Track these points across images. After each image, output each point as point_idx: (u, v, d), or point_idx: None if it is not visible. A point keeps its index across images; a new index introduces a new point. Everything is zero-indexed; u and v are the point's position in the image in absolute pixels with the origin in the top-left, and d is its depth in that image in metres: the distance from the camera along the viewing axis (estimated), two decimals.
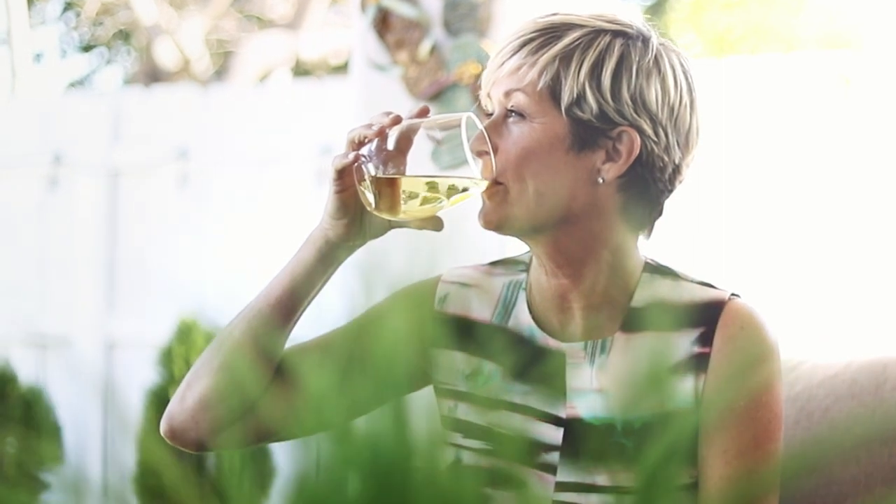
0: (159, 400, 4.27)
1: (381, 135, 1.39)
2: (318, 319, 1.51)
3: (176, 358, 4.32)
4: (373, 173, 1.38)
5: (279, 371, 1.48)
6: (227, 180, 4.80)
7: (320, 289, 1.49)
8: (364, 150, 1.39)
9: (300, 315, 1.48)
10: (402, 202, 1.39)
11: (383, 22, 3.16)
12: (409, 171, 1.39)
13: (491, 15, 3.02)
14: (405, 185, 1.38)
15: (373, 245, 1.48)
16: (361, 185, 1.39)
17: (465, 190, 1.41)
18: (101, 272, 4.91)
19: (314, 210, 4.89)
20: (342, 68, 9.10)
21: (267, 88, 6.83)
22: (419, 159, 1.42)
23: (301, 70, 9.27)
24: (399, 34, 3.11)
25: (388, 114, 1.41)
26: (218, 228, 4.78)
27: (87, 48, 10.70)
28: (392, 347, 0.62)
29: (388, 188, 1.38)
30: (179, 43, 8.43)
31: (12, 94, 8.62)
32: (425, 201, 1.40)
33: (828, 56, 4.34)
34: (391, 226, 1.45)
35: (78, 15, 10.28)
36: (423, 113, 1.44)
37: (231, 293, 4.51)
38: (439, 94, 3.07)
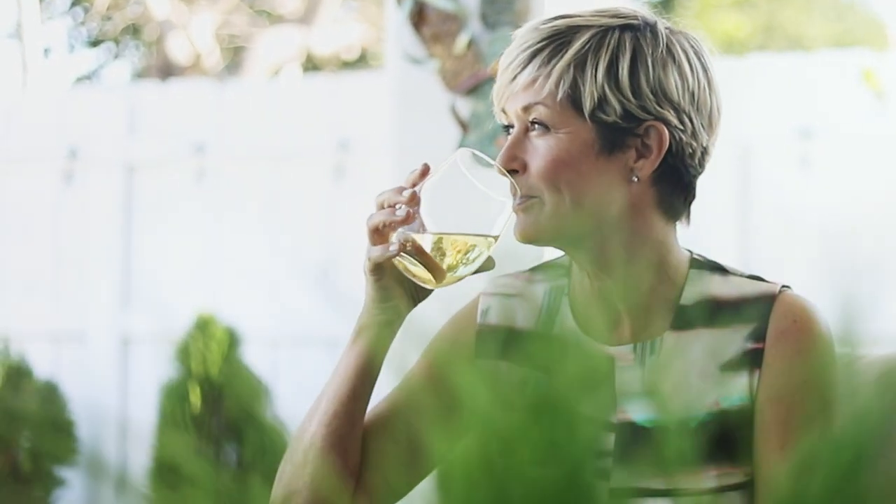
0: (175, 395, 4.25)
1: (409, 218, 1.37)
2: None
3: (193, 353, 4.30)
4: (409, 249, 1.37)
5: (374, 434, 1.47)
6: (244, 175, 4.78)
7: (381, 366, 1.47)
8: (401, 238, 1.37)
9: (370, 398, 1.47)
10: (455, 265, 1.38)
11: (419, 15, 3.15)
12: (428, 227, 1.37)
13: (529, 7, 3.00)
14: (449, 255, 1.38)
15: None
16: (407, 267, 1.38)
17: (489, 241, 1.40)
18: (116, 266, 4.89)
19: (330, 205, 4.83)
20: (353, 63, 9.10)
21: (283, 83, 6.81)
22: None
23: (312, 65, 9.26)
24: (436, 27, 3.09)
25: (400, 191, 1.38)
26: (234, 222, 4.77)
27: (94, 43, 10.70)
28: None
29: (432, 263, 1.37)
30: (191, 38, 8.43)
31: (24, 89, 8.61)
32: (470, 258, 1.39)
33: (843, 54, 4.33)
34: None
35: (86, 10, 10.27)
36: (425, 172, 1.40)
37: (247, 288, 4.52)
38: (476, 88, 3.05)
